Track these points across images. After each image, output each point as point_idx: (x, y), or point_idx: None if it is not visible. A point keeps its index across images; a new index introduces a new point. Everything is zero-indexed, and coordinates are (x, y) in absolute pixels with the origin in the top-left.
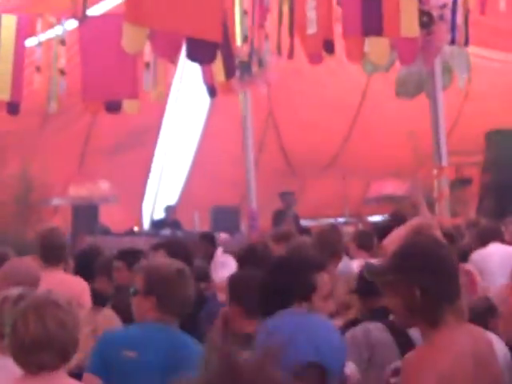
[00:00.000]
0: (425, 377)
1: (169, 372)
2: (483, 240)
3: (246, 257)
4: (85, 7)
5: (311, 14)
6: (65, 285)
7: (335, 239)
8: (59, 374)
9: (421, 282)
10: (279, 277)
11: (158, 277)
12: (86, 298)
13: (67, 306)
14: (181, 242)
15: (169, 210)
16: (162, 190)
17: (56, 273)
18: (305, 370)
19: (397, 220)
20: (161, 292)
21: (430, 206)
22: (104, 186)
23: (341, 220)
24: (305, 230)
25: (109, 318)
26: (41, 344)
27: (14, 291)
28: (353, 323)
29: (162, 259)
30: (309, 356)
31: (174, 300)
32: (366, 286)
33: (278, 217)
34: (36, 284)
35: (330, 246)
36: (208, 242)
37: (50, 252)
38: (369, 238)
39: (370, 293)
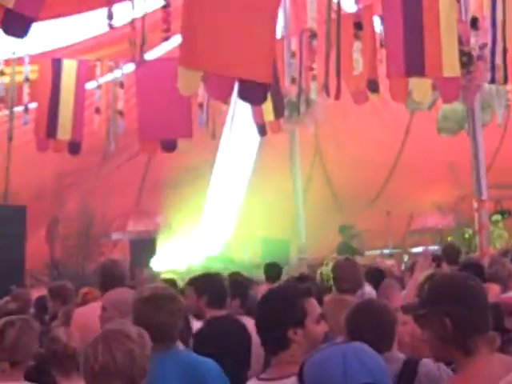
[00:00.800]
0: None
1: None
2: None
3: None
4: (142, 51)
5: (357, 56)
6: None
7: (352, 271)
8: None
9: (451, 313)
10: (272, 306)
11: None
12: None
13: (137, 337)
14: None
15: None
16: (216, 224)
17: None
18: None
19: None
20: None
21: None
22: (161, 220)
23: (385, 251)
24: None
25: None
26: (109, 372)
27: None
28: None
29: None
30: (364, 378)
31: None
32: None
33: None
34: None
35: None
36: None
37: (110, 282)
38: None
39: None
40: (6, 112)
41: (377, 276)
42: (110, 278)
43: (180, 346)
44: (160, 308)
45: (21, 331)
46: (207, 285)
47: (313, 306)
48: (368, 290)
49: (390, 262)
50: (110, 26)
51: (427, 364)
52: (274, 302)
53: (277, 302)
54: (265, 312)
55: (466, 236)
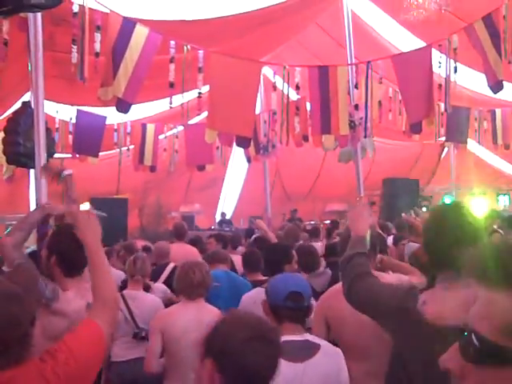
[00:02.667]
0: None
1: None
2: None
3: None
4: (187, 119)
5: (296, 124)
6: (188, 250)
7: (296, 232)
8: (205, 303)
9: None
10: (276, 251)
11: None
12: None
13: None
14: (226, 235)
15: (223, 214)
16: (225, 208)
17: (183, 244)
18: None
19: (334, 223)
20: None
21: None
22: (197, 206)
23: (312, 222)
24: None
25: None
26: (202, 284)
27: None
28: None
29: None
30: (294, 288)
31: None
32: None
33: (290, 220)
34: (167, 256)
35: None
36: (248, 233)
37: (180, 233)
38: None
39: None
40: (118, 150)
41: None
42: (179, 231)
43: None
44: None
45: (143, 259)
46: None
47: (294, 254)
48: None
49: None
50: (170, 107)
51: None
52: (276, 248)
53: (278, 248)
54: (272, 255)
55: None
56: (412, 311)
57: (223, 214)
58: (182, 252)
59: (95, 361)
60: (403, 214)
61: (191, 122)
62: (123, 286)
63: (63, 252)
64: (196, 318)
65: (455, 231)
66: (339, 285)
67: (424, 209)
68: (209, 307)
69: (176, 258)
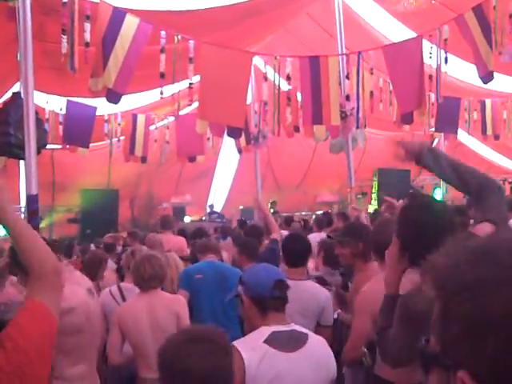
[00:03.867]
0: None
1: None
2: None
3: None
4: (178, 109)
5: (288, 115)
6: (176, 240)
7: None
8: (159, 292)
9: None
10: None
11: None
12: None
13: (162, 257)
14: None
15: (211, 206)
16: (216, 199)
17: (169, 234)
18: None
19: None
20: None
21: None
22: (188, 197)
23: (303, 213)
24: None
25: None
26: (152, 276)
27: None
28: None
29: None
30: (278, 276)
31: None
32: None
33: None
34: (160, 246)
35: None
36: (242, 223)
37: (167, 222)
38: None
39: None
40: (108, 141)
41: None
42: (166, 221)
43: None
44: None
45: (141, 251)
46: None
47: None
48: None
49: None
50: (161, 97)
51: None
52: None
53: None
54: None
55: (344, 204)
56: None
57: (211, 207)
58: (170, 243)
59: (45, 341)
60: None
61: (182, 112)
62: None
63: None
64: (147, 304)
65: (436, 227)
66: (378, 278)
67: None
68: (161, 294)
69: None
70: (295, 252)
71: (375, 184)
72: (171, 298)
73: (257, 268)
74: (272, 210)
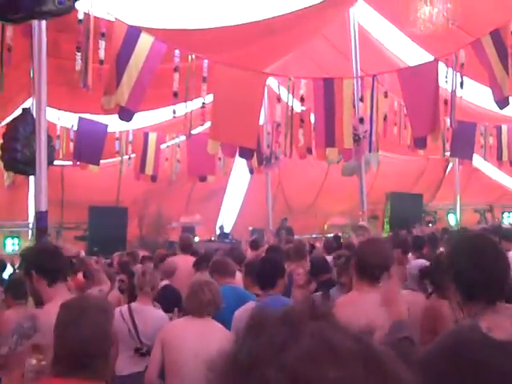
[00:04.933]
0: None
1: None
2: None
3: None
4: (190, 129)
5: (300, 137)
6: (190, 261)
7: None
8: (212, 320)
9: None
10: (274, 264)
11: None
12: None
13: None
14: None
15: (221, 228)
16: (226, 220)
17: (187, 257)
18: None
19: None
20: None
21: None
22: (198, 217)
23: (314, 235)
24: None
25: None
26: (211, 304)
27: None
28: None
29: None
30: None
31: None
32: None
33: (280, 230)
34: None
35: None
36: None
37: (188, 246)
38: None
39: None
40: (119, 158)
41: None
42: (185, 243)
43: None
44: None
45: (152, 272)
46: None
47: (287, 267)
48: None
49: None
50: (174, 116)
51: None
52: (274, 262)
53: (275, 262)
54: (269, 266)
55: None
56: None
57: (221, 228)
58: (188, 265)
59: None
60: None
61: (194, 131)
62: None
63: (41, 263)
64: (198, 330)
65: (491, 262)
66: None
67: (430, 225)
68: (214, 323)
69: (182, 272)
70: (265, 275)
71: (387, 208)
72: (224, 330)
73: (264, 303)
74: (280, 227)
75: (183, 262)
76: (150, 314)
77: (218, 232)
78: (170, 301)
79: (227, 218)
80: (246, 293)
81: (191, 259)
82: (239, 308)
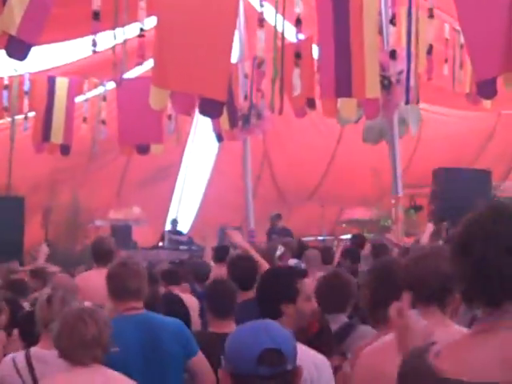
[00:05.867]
0: None
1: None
2: None
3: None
4: (122, 71)
5: (297, 81)
6: None
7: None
8: (102, 367)
9: None
10: (270, 284)
11: None
12: None
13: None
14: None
15: (174, 222)
16: (181, 214)
17: (106, 270)
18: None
19: (358, 240)
20: None
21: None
22: (136, 210)
23: (320, 238)
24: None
25: None
26: (96, 341)
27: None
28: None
29: None
30: (268, 344)
31: None
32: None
33: (271, 232)
34: (76, 293)
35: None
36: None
37: (104, 254)
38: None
39: None
40: (9, 119)
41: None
42: (100, 252)
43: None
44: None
45: (62, 297)
46: None
47: (305, 286)
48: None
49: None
50: (94, 51)
51: (363, 329)
52: (271, 280)
53: (274, 280)
54: (264, 287)
55: (386, 224)
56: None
57: (174, 222)
58: (103, 284)
59: None
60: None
61: (127, 75)
62: None
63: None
64: None
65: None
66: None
67: None
68: (105, 371)
69: (96, 296)
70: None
71: (436, 192)
72: (121, 380)
73: (245, 328)
74: (271, 228)
75: (99, 281)
76: (59, 362)
77: (167, 234)
78: None
79: (183, 212)
80: (157, 319)
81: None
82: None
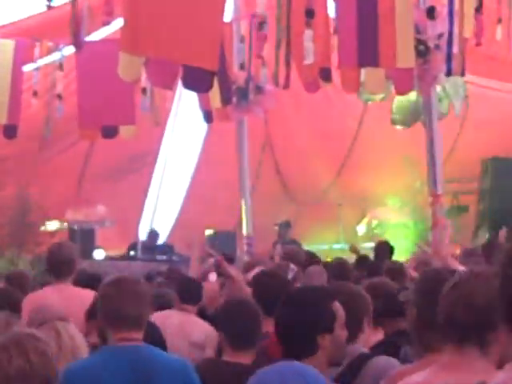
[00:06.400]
0: None
1: None
2: None
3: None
4: (82, 32)
5: (309, 45)
6: (76, 297)
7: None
8: None
9: None
10: (303, 310)
11: None
12: None
13: (45, 338)
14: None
15: (152, 234)
16: (158, 215)
17: (65, 287)
18: None
19: (384, 249)
20: None
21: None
22: (101, 209)
23: (336, 246)
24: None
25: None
26: (25, 376)
27: None
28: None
29: None
30: None
31: None
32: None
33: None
34: (18, 310)
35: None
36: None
37: (60, 266)
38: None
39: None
40: None
41: None
42: (59, 263)
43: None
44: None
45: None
46: None
47: (339, 309)
48: None
49: None
50: (49, 6)
51: (377, 361)
52: (304, 304)
53: (307, 305)
54: (293, 315)
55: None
56: None
57: (153, 234)
58: (63, 304)
59: None
60: None
61: (90, 38)
62: None
63: None
64: None
65: None
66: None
67: None
68: None
69: (49, 316)
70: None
71: (486, 188)
72: None
73: (270, 371)
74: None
75: (56, 298)
76: None
77: (141, 240)
78: None
79: (161, 212)
80: (156, 354)
81: (74, 292)
82: None
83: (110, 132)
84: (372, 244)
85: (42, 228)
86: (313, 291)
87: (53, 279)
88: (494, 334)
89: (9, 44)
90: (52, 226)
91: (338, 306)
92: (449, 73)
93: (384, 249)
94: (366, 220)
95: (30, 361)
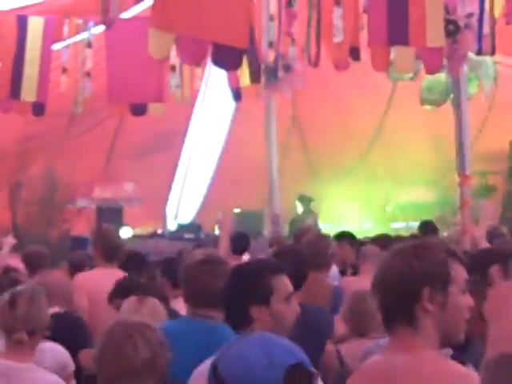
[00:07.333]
0: None
1: None
2: None
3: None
4: (112, 10)
5: (338, 23)
6: None
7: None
8: None
9: None
10: (238, 280)
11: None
12: None
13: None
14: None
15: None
16: (186, 194)
17: (115, 270)
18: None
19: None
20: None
21: None
22: (129, 187)
23: (365, 226)
24: None
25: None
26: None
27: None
28: None
29: None
30: (289, 359)
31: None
32: None
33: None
34: (69, 296)
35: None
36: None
37: (113, 251)
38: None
39: None
40: None
41: None
42: (109, 247)
43: None
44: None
45: (31, 297)
46: None
47: (282, 283)
48: None
49: None
50: None
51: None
52: (238, 277)
53: (241, 277)
54: (228, 287)
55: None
56: None
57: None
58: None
59: None
60: None
61: (120, 15)
62: None
63: None
64: None
65: None
66: None
67: None
68: None
69: (98, 299)
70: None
71: None
72: None
73: (243, 344)
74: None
75: (104, 281)
76: (30, 376)
77: (170, 219)
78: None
79: (190, 190)
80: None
81: (117, 275)
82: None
83: (139, 109)
84: (400, 224)
85: (70, 206)
86: (253, 264)
87: (100, 261)
88: (418, 306)
89: (38, 22)
90: (80, 203)
91: (281, 280)
92: (479, 52)
93: (431, 227)
94: (393, 199)
95: (155, 351)
